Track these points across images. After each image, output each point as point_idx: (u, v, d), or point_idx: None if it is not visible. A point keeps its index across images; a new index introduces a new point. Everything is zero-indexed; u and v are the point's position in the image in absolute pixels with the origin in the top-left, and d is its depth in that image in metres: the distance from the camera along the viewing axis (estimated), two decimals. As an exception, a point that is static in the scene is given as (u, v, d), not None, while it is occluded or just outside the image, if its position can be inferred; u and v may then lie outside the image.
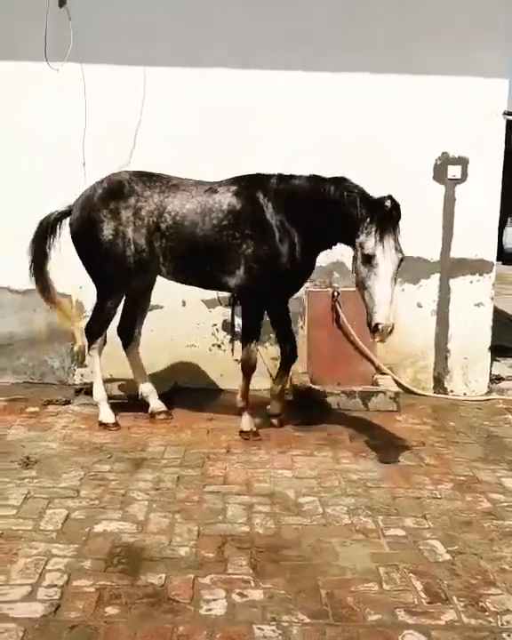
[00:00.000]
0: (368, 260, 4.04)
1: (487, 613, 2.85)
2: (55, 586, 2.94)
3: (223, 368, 5.93)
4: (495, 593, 3.00)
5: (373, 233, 4.01)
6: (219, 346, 5.96)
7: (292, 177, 4.57)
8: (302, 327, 5.93)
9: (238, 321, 5.86)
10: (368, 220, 4.06)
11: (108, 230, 4.67)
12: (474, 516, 3.72)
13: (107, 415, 4.93)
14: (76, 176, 5.54)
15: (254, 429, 4.81)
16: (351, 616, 2.80)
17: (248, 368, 4.83)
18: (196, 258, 4.63)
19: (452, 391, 6.03)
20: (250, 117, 5.63)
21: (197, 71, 5.61)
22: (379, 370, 5.89)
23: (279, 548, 3.32)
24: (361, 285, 4.15)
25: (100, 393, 4.99)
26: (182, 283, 4.90)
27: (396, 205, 4.04)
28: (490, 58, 5.55)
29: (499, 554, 3.33)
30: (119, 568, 3.10)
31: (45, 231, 4.93)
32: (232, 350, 5.91)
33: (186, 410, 5.37)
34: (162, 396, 5.34)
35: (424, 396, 5.93)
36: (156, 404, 5.23)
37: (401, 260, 4.08)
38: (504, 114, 5.64)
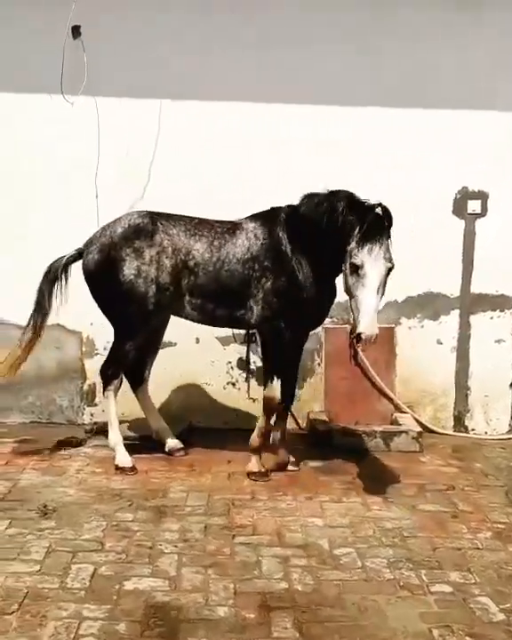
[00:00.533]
0: (355, 269, 3.96)
1: (555, 682, 2.67)
2: (91, 654, 2.73)
3: (238, 407, 5.75)
4: (560, 657, 2.83)
5: (362, 241, 3.93)
6: (233, 384, 5.79)
7: (298, 204, 4.51)
8: (320, 364, 5.77)
9: (254, 358, 5.73)
10: (357, 227, 3.97)
11: (129, 270, 4.51)
12: (520, 568, 3.55)
13: (124, 459, 4.73)
14: (89, 210, 5.39)
15: (263, 470, 4.66)
16: (412, 686, 2.62)
17: (270, 407, 4.66)
18: (221, 294, 4.53)
19: (473, 430, 5.88)
20: (266, 152, 5.52)
21: (213, 104, 5.50)
22: (398, 408, 5.74)
23: (322, 606, 3.13)
24: (348, 293, 4.11)
25: (115, 436, 4.80)
26: (201, 322, 4.76)
27: (386, 212, 3.97)
28: (509, 90, 5.49)
29: (554, 611, 3.15)
30: (156, 631, 2.90)
31: (55, 276, 4.76)
32: (248, 389, 5.75)
33: (202, 451, 5.17)
34: (176, 437, 5.17)
35: (445, 434, 5.77)
36: (172, 442, 5.06)
37: (389, 269, 3.98)
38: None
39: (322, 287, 4.52)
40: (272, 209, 4.64)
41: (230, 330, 5.49)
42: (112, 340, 4.79)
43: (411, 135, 5.59)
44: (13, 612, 2.99)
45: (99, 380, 5.25)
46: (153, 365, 5.10)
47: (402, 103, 5.55)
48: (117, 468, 4.70)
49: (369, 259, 3.92)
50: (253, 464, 4.68)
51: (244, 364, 5.74)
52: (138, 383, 5.05)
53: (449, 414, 5.88)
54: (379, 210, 3.95)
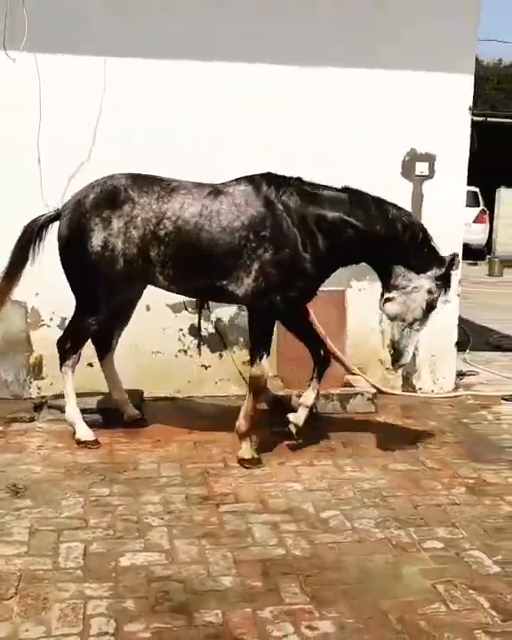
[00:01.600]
0: (430, 309, 4.27)
1: None
2: (107, 634, 2.63)
3: (190, 375, 5.66)
4: (561, 604, 2.93)
5: (443, 289, 4.27)
6: (185, 351, 5.67)
7: (322, 186, 4.32)
8: (272, 330, 5.72)
9: (205, 325, 5.64)
10: (440, 273, 4.22)
11: (97, 241, 4.29)
12: (501, 521, 3.65)
13: (85, 433, 4.57)
14: (31, 174, 5.12)
15: (256, 457, 4.33)
16: (433, 642, 2.66)
17: (258, 386, 4.36)
18: (199, 265, 4.29)
19: (420, 389, 6.00)
20: (219, 112, 5.37)
21: (158, 63, 5.29)
22: (349, 371, 5.78)
23: (325, 570, 3.13)
24: (407, 322, 4.27)
25: (74, 411, 4.62)
26: (178, 293, 4.62)
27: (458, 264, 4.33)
28: (457, 55, 5.54)
29: (544, 561, 3.27)
30: (167, 606, 2.82)
31: (31, 236, 4.50)
32: (199, 354, 5.65)
33: (160, 422, 5.07)
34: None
35: (395, 394, 5.87)
36: (132, 411, 4.94)
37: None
38: (470, 110, 5.64)
39: (325, 265, 4.38)
40: (270, 174, 4.35)
41: (181, 297, 5.39)
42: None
43: (359, 96, 5.56)
44: (12, 597, 2.85)
45: (47, 353, 5.07)
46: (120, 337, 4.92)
47: (354, 64, 5.49)
48: (79, 442, 4.54)
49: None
50: (245, 450, 4.33)
51: (195, 331, 5.63)
52: (104, 351, 4.86)
53: (397, 375, 5.96)
54: (456, 261, 4.29)
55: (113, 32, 5.18)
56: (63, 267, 4.48)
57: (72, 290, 4.50)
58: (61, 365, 4.61)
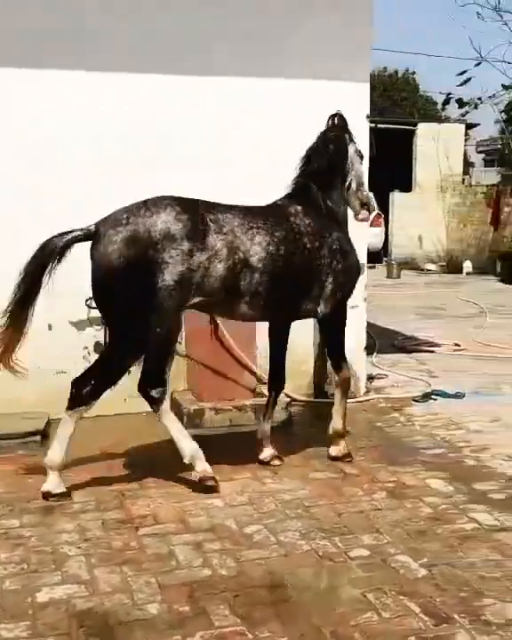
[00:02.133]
0: (362, 156, 4.62)
1: (494, 627, 2.78)
2: (27, 678, 2.46)
3: (98, 393, 5.46)
4: (489, 603, 2.94)
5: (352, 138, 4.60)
6: (92, 370, 5.47)
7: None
8: (180, 342, 5.60)
9: (111, 341, 5.46)
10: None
11: (170, 275, 3.79)
12: (423, 523, 3.66)
13: (55, 485, 3.98)
14: None
15: (349, 451, 4.57)
16: (369, 654, 2.61)
17: (349, 387, 4.77)
18: (292, 289, 4.22)
19: (332, 395, 5.97)
20: (113, 124, 5.24)
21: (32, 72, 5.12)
22: (261, 380, 5.72)
23: (254, 588, 3.05)
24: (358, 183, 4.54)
25: (58, 459, 3.99)
26: (259, 320, 4.53)
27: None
28: (354, 63, 5.61)
29: (468, 560, 3.28)
30: (91, 642, 2.67)
31: (49, 259, 3.87)
32: (108, 373, 5.46)
33: (72, 443, 4.85)
34: (36, 433, 4.84)
35: (308, 402, 5.86)
36: None
37: None
38: (367, 117, 5.70)
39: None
40: (291, 193, 4.43)
41: (86, 313, 5.24)
42: None
43: (266, 106, 5.56)
44: None
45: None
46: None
47: (259, 74, 5.48)
48: (47, 494, 3.94)
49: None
50: (342, 447, 4.54)
51: (101, 348, 5.44)
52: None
53: (309, 381, 5.96)
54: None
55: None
56: (104, 300, 4.01)
57: (112, 325, 4.11)
58: (71, 409, 4.01)
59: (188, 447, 4.05)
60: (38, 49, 5.09)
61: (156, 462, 4.48)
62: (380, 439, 5.00)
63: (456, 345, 7.97)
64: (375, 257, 18.28)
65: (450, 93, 15.12)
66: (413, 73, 34.20)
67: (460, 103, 15.13)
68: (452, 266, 17.99)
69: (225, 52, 5.40)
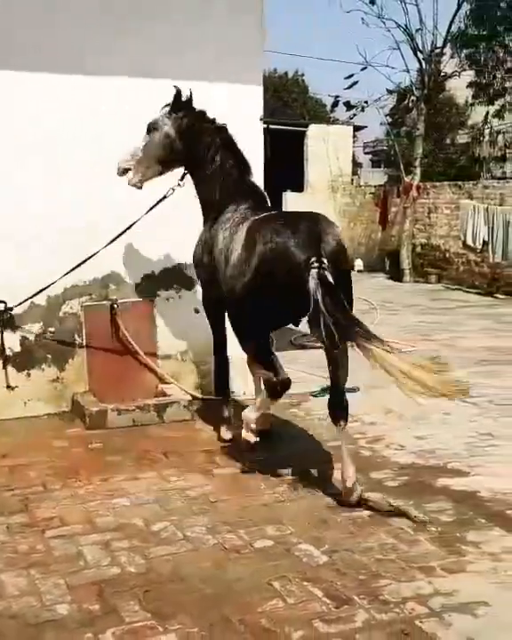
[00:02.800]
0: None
1: (391, 605, 2.95)
2: None
3: (-4, 397, 5.40)
4: (385, 584, 3.12)
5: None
6: (-11, 373, 5.39)
7: None
8: (81, 344, 5.59)
9: (9, 343, 5.40)
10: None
11: None
12: (323, 512, 3.82)
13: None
14: None
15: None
16: (277, 638, 2.73)
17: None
18: None
19: (233, 392, 6.10)
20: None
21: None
22: (162, 379, 5.78)
23: (162, 583, 3.12)
24: None
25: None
26: None
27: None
28: (247, 66, 5.72)
29: (365, 545, 3.46)
30: (1, 646, 2.68)
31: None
32: (6, 377, 5.39)
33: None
34: None
35: (209, 400, 5.93)
36: None
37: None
38: (261, 119, 5.84)
39: None
40: None
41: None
42: None
43: (152, 107, 5.56)
44: None
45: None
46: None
47: (144, 75, 5.50)
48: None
49: None
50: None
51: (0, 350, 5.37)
52: None
53: (210, 380, 6.03)
54: None
55: None
56: None
57: None
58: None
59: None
60: None
61: (61, 465, 4.47)
62: (282, 433, 5.13)
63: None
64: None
65: (338, 96, 15.53)
66: (302, 75, 34.82)
67: (348, 106, 15.57)
68: (344, 264, 18.48)
69: (119, 53, 5.41)
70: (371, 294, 12.38)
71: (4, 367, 5.39)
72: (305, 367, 6.97)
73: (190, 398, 5.58)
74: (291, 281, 3.75)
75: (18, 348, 5.42)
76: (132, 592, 3.03)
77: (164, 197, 4.80)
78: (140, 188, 4.75)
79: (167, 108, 4.60)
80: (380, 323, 9.59)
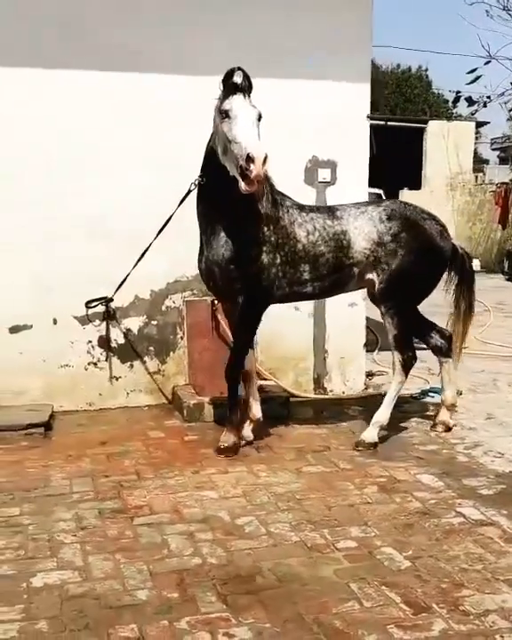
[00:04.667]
0: (226, 115, 4.02)
1: (471, 616, 2.86)
2: (18, 658, 2.57)
3: (101, 387, 5.59)
4: (468, 594, 3.03)
5: (226, 93, 4.05)
6: (95, 364, 5.59)
7: None
8: (182, 338, 5.72)
9: (114, 336, 5.58)
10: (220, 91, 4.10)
11: None
12: (411, 517, 3.75)
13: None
14: None
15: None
16: (349, 640, 2.71)
17: None
18: None
19: (332, 391, 6.10)
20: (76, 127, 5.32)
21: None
22: (260, 375, 5.81)
23: (241, 576, 3.15)
24: (226, 145, 4.06)
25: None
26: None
27: (245, 73, 4.07)
28: (354, 64, 5.65)
29: (451, 553, 3.37)
30: (82, 624, 2.78)
31: None
32: (111, 367, 5.58)
33: (72, 436, 5.00)
34: (40, 425, 4.97)
35: (307, 397, 5.94)
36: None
37: (259, 114, 4.08)
38: (368, 117, 5.78)
39: None
40: None
41: (85, 309, 5.38)
42: None
43: (263, 105, 5.58)
44: None
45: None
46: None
47: (254, 74, 5.52)
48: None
49: (236, 102, 4.02)
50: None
51: (104, 342, 5.57)
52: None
53: (309, 378, 6.05)
54: (238, 71, 4.05)
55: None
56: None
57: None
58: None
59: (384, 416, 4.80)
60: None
61: (155, 455, 4.59)
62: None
63: (457, 343, 8.02)
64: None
65: (459, 91, 15.07)
66: (426, 70, 34.11)
67: (470, 101, 15.09)
68: (460, 264, 18.03)
69: (225, 53, 5.45)
70: (485, 295, 11.98)
71: (109, 358, 5.58)
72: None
73: (287, 395, 5.59)
74: None
75: (122, 341, 5.60)
76: (211, 583, 3.08)
77: (189, 192, 4.53)
78: None
79: (244, 94, 4.08)
80: (491, 325, 9.32)
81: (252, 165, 3.86)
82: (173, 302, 5.65)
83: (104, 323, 5.49)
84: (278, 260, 4.47)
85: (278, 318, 5.74)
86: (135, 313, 5.59)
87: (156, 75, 5.38)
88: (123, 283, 5.17)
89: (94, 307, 5.41)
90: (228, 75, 4.06)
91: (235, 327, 4.75)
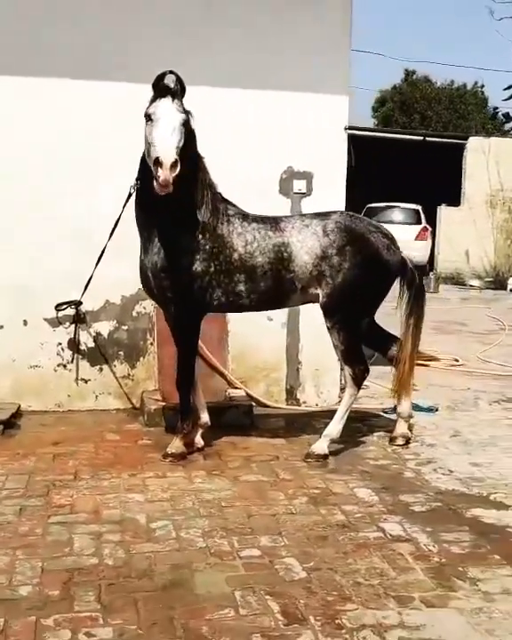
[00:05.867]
0: (149, 118, 4.10)
1: (344, 630, 2.81)
2: None
3: (69, 389, 5.67)
4: (351, 608, 2.97)
5: (152, 99, 4.12)
6: (64, 366, 5.67)
7: None
8: (152, 343, 5.76)
9: (84, 339, 5.66)
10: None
11: None
12: (328, 529, 3.69)
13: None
14: None
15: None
16: (207, 646, 2.68)
17: None
18: None
19: (304, 402, 6.06)
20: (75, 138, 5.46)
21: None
22: (231, 384, 5.82)
23: (130, 579, 3.15)
24: (147, 150, 4.14)
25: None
26: None
27: (178, 77, 4.12)
28: (332, 75, 5.66)
29: (353, 567, 3.31)
30: (-48, 617, 2.82)
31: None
32: (78, 370, 5.66)
33: (31, 434, 5.08)
34: (2, 423, 5.06)
35: (277, 408, 5.92)
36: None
37: (184, 119, 4.11)
38: (345, 129, 5.76)
39: None
40: None
41: (55, 312, 5.47)
42: None
43: (238, 116, 5.64)
44: None
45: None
46: None
47: (229, 84, 5.58)
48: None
49: (160, 106, 4.08)
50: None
51: (73, 344, 5.65)
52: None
53: (281, 388, 6.03)
54: (169, 75, 4.12)
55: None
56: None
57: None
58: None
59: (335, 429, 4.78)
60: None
61: (101, 457, 4.64)
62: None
63: (455, 360, 7.90)
64: (420, 271, 18.16)
65: (496, 107, 14.93)
66: (482, 86, 33.64)
67: (507, 117, 14.89)
68: (497, 282, 17.72)
69: (206, 65, 5.51)
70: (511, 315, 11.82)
71: (78, 361, 5.66)
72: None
73: (252, 404, 5.58)
74: None
75: (92, 344, 5.68)
76: (97, 583, 3.09)
77: (130, 195, 4.52)
78: None
79: (172, 98, 4.10)
80: (501, 344, 9.14)
81: (159, 170, 3.89)
82: (144, 308, 5.71)
83: (73, 326, 5.57)
84: (212, 269, 4.47)
85: (250, 327, 5.77)
86: (106, 317, 5.67)
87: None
88: (88, 284, 5.23)
89: (64, 309, 5.50)
90: (159, 78, 4.11)
91: (173, 335, 4.77)
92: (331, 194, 5.82)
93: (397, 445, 5.02)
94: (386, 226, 18.15)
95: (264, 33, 5.58)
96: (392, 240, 4.75)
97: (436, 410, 5.94)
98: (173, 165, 3.91)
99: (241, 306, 4.67)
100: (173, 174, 3.92)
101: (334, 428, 4.77)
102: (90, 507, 3.88)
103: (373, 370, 7.11)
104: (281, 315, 5.90)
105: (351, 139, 5.97)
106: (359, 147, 6.37)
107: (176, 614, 2.88)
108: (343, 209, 5.86)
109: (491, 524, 3.83)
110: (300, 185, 5.78)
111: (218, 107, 5.57)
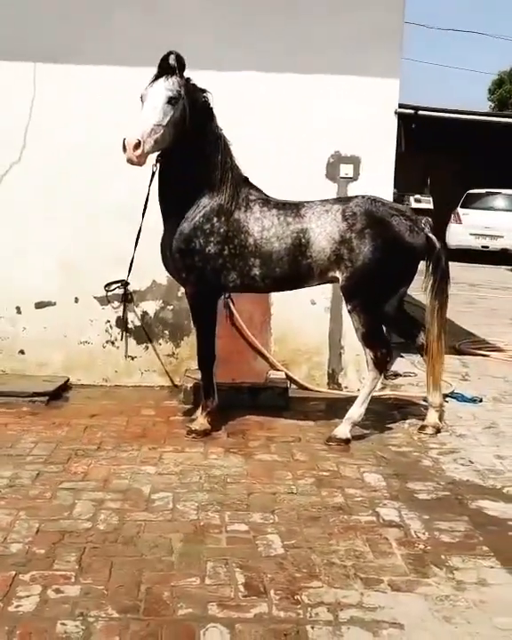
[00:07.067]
0: (142, 100, 4.32)
1: (299, 606, 2.88)
2: None
3: (117, 365, 5.92)
4: (315, 586, 3.03)
5: (151, 81, 4.33)
6: (112, 343, 5.93)
7: None
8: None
9: (131, 317, 5.89)
10: None
11: None
12: (322, 511, 3.75)
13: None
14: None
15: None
16: (161, 610, 2.82)
17: None
18: None
19: (346, 387, 6.08)
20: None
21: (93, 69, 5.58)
22: (273, 366, 5.91)
23: (114, 543, 3.33)
24: None
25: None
26: None
27: (178, 57, 4.29)
28: (382, 58, 5.59)
29: (333, 548, 3.36)
30: None
31: None
32: (127, 347, 5.91)
33: (74, 406, 5.37)
34: (44, 394, 5.37)
35: (317, 391, 5.97)
36: None
37: (170, 97, 4.26)
38: (396, 112, 5.70)
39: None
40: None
41: (104, 291, 5.72)
42: None
43: (285, 101, 5.69)
44: None
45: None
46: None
47: (277, 69, 5.63)
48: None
49: (151, 87, 4.32)
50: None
51: (122, 322, 5.89)
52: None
53: (323, 372, 6.07)
54: (171, 55, 4.30)
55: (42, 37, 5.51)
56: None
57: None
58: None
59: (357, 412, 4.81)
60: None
61: (129, 430, 4.85)
62: (356, 432, 5.02)
63: (519, 352, 7.69)
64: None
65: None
66: None
67: None
68: None
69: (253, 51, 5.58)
70: None
71: (125, 338, 5.90)
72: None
73: (287, 386, 5.65)
74: None
75: (138, 323, 5.90)
76: (82, 545, 3.29)
77: (154, 174, 4.61)
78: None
79: (166, 77, 4.29)
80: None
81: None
82: (190, 288, 5.86)
83: (121, 305, 5.81)
84: (226, 252, 4.56)
85: (293, 310, 5.84)
86: (152, 297, 5.88)
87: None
88: (131, 264, 5.46)
89: (113, 289, 5.75)
90: (161, 59, 4.29)
91: (191, 314, 4.90)
92: (378, 178, 5.77)
93: (426, 434, 4.99)
94: (486, 213, 17.55)
95: (311, 15, 5.57)
96: (415, 222, 4.69)
97: (481, 400, 5.83)
98: (136, 146, 4.12)
99: (257, 288, 4.76)
100: (137, 153, 4.13)
101: (356, 411, 4.80)
102: (102, 475, 4.08)
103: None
104: (324, 299, 5.93)
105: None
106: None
107: (144, 579, 3.03)
108: (391, 193, 5.84)
109: (493, 516, 3.79)
110: (347, 169, 5.77)
111: (265, 91, 5.64)
